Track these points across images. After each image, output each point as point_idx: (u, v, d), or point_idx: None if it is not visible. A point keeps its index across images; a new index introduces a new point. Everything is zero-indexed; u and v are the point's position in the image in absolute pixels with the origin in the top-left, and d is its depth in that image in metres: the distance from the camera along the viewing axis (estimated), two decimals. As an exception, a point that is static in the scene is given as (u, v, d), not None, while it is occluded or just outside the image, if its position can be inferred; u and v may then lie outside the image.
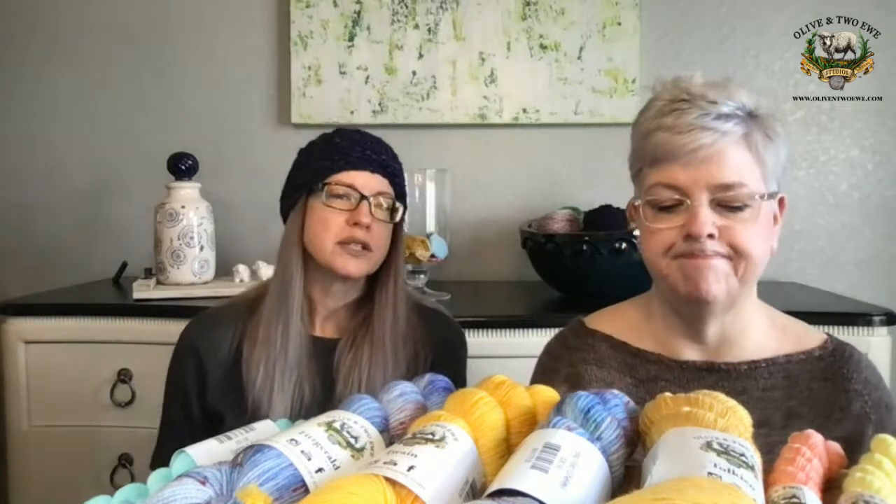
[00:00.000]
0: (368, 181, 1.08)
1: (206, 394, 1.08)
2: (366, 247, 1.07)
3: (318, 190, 1.07)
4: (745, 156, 0.83)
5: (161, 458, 1.09)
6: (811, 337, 0.90)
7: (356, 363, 1.07)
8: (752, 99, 0.86)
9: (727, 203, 0.82)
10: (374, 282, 1.13)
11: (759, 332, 0.89)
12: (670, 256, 0.85)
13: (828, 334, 0.91)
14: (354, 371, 1.06)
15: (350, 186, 1.07)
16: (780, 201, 0.88)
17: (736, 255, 0.83)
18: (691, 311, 0.87)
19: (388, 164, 1.11)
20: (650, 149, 0.85)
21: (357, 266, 1.07)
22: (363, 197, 1.07)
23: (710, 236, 0.82)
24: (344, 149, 1.09)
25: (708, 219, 0.81)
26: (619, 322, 0.97)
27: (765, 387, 0.86)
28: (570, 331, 1.00)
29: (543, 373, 0.98)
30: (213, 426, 1.04)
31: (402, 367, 1.08)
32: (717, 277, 0.82)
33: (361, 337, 1.10)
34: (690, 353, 0.90)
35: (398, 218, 1.12)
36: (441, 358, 1.11)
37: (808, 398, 0.85)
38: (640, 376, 0.91)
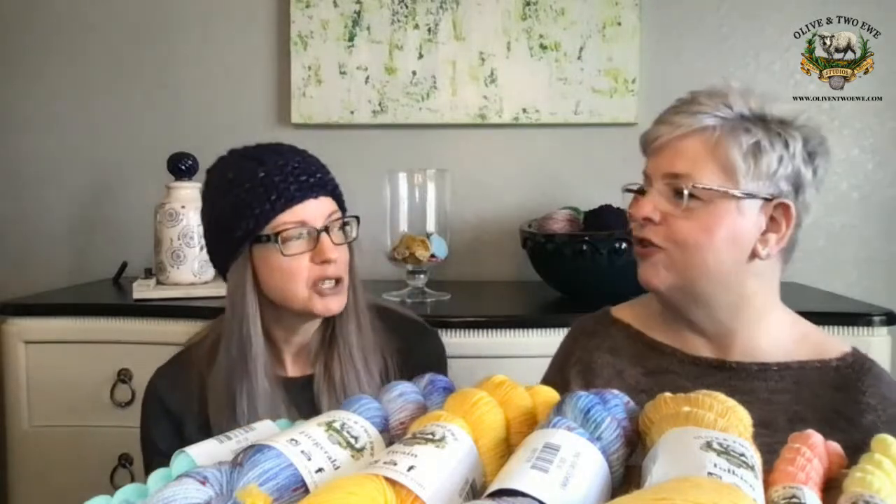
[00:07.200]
0: (317, 209, 0.98)
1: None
2: (338, 280, 1.00)
3: (270, 241, 0.96)
4: (701, 149, 0.83)
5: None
6: (833, 348, 0.88)
7: (332, 387, 1.03)
8: (763, 104, 0.84)
9: (676, 190, 0.84)
10: None
11: (776, 335, 0.89)
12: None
13: (853, 348, 0.88)
14: (332, 397, 1.02)
15: (302, 224, 0.97)
16: (785, 209, 0.83)
17: (673, 245, 0.84)
18: (660, 299, 0.90)
19: (324, 181, 1.01)
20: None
21: (337, 303, 1.01)
22: (319, 231, 0.98)
23: (649, 220, 0.85)
24: (277, 184, 0.96)
25: (648, 202, 0.85)
26: (642, 312, 0.98)
27: (773, 389, 0.85)
28: (593, 317, 1.03)
29: (564, 354, 1.02)
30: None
31: (375, 379, 1.04)
32: (654, 269, 0.86)
33: (330, 358, 1.05)
34: (703, 348, 0.91)
35: (354, 234, 1.04)
36: (410, 361, 1.07)
37: (813, 403, 0.84)
38: (650, 367, 0.92)
